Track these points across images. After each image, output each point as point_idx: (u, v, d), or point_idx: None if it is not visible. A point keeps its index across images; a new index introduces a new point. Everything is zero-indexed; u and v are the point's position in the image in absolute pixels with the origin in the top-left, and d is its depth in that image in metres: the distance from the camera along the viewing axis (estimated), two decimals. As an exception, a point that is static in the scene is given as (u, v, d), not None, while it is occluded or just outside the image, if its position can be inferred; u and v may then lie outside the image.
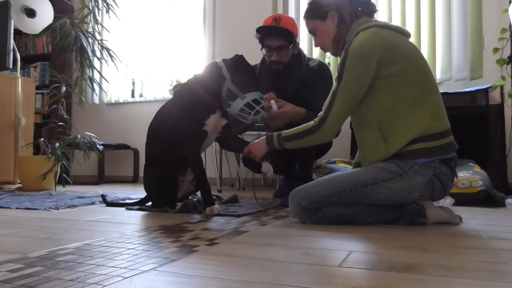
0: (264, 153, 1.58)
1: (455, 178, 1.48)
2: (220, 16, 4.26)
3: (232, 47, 4.19)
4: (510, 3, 2.84)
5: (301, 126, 1.52)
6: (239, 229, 1.33)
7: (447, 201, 1.51)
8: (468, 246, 1.08)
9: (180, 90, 1.77)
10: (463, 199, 2.16)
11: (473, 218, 1.64)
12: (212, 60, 4.24)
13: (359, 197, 1.41)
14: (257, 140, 1.62)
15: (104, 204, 2.06)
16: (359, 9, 1.53)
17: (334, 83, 1.45)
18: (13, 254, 0.95)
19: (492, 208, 2.02)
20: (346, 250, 1.01)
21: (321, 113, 1.47)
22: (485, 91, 2.79)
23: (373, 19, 1.54)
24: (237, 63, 1.67)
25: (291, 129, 1.53)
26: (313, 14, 1.57)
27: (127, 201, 2.18)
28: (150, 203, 1.95)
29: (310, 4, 1.60)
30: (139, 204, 1.94)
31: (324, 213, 1.42)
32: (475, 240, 1.17)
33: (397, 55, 1.39)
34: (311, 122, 1.49)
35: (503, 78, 2.86)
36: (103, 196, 2.08)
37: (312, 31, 1.61)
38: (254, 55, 4.28)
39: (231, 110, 1.66)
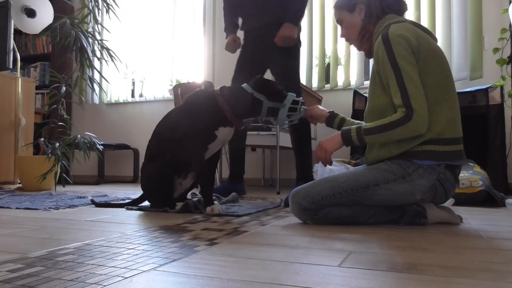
0: (336, 148, 1.49)
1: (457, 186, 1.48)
2: (220, 16, 4.26)
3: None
4: (510, 3, 2.84)
5: (384, 119, 1.37)
6: (239, 229, 1.33)
7: (448, 201, 1.51)
8: (468, 246, 1.08)
9: (201, 97, 1.82)
10: (463, 199, 2.16)
11: (473, 218, 1.64)
12: (212, 60, 4.24)
13: (360, 198, 1.40)
14: (329, 137, 1.52)
15: (94, 205, 2.05)
16: (389, 6, 1.51)
17: (393, 75, 1.36)
18: (13, 254, 0.95)
19: (492, 208, 2.02)
20: (346, 250, 1.01)
21: (399, 105, 1.34)
22: (485, 91, 2.80)
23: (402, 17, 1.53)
24: (262, 83, 1.78)
25: (372, 123, 1.40)
26: (342, 4, 1.56)
27: (127, 201, 2.17)
28: (145, 202, 1.95)
29: None
30: (132, 204, 1.94)
31: (325, 213, 1.42)
32: (475, 240, 1.17)
33: (425, 53, 1.37)
34: (396, 114, 1.34)
35: (503, 78, 2.87)
36: (92, 201, 2.08)
37: (339, 22, 1.60)
38: (254, 55, 4.25)
39: (279, 121, 1.77)
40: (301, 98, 1.79)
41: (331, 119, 1.69)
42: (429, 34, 1.46)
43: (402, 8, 1.53)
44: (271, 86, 1.78)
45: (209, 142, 1.79)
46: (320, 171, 1.63)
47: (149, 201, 1.91)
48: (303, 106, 1.76)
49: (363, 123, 1.58)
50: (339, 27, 1.71)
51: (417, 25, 1.45)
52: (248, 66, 2.58)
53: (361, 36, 1.54)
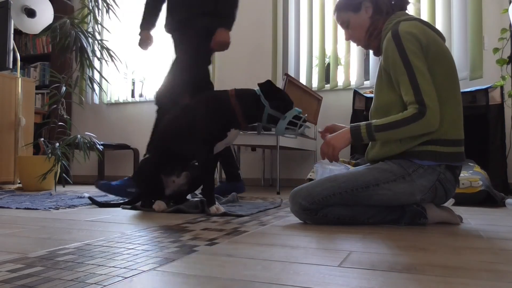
0: (346, 145, 1.44)
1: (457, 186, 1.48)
2: (220, 16, 4.26)
3: (232, 47, 4.18)
4: (510, 3, 2.84)
5: (395, 115, 1.35)
6: (239, 229, 1.33)
7: (448, 201, 1.51)
8: (468, 246, 1.08)
9: (215, 97, 1.82)
10: (463, 199, 2.16)
11: (473, 218, 1.64)
12: (212, 60, 4.24)
13: (361, 198, 1.40)
14: (336, 133, 1.47)
15: (95, 205, 2.05)
16: (392, 2, 1.50)
17: (404, 71, 1.34)
18: (13, 254, 0.95)
19: (492, 208, 2.02)
20: (346, 250, 1.01)
21: (411, 101, 1.32)
22: (485, 91, 2.80)
23: (407, 11, 1.53)
24: (270, 89, 1.78)
25: (383, 119, 1.37)
26: (346, 5, 1.54)
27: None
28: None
29: None
30: (129, 204, 1.94)
31: (325, 213, 1.42)
32: (475, 240, 1.17)
33: (434, 53, 1.37)
34: (408, 111, 1.33)
35: (503, 78, 2.87)
36: (91, 199, 2.07)
37: (344, 24, 1.57)
38: (254, 55, 4.28)
39: (277, 131, 1.77)
40: (306, 115, 1.79)
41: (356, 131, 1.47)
42: (438, 34, 1.45)
43: (405, 2, 1.52)
44: (277, 93, 1.77)
45: (219, 141, 1.80)
46: (320, 171, 1.63)
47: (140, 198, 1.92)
48: (304, 124, 1.75)
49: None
50: (339, 29, 1.68)
51: (426, 23, 1.44)
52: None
53: (369, 34, 1.52)
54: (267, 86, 1.77)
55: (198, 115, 1.78)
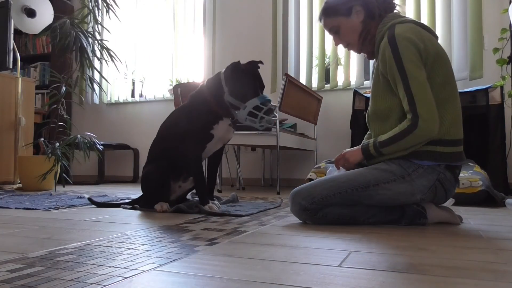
0: (358, 160, 1.48)
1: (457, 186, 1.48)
2: (220, 16, 4.26)
3: (232, 47, 4.19)
4: (510, 3, 2.84)
5: (395, 128, 1.37)
6: (239, 229, 1.33)
7: (448, 201, 1.52)
8: (468, 246, 1.08)
9: (194, 95, 1.80)
10: (463, 199, 2.16)
11: (473, 218, 1.64)
12: (212, 60, 4.24)
13: (360, 198, 1.40)
14: (351, 148, 1.52)
15: (95, 206, 2.04)
16: (382, 4, 1.48)
17: (399, 78, 1.35)
18: (13, 254, 0.95)
19: (492, 208, 2.02)
20: (346, 250, 1.01)
21: (407, 110, 1.34)
22: (485, 91, 2.79)
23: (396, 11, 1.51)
24: (232, 73, 1.66)
25: (386, 134, 1.40)
26: (335, 10, 1.51)
27: (126, 201, 2.17)
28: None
29: (329, 2, 1.53)
30: (129, 204, 1.94)
31: (325, 213, 1.42)
32: (475, 240, 1.17)
33: (433, 55, 1.37)
34: (404, 123, 1.35)
35: (503, 78, 2.87)
36: (90, 199, 2.07)
37: (333, 29, 1.54)
38: (254, 55, 4.28)
39: (240, 120, 1.69)
40: (273, 106, 1.61)
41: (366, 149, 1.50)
42: (431, 33, 1.45)
43: (392, 6, 1.51)
44: (240, 78, 1.64)
45: (207, 142, 1.74)
46: (331, 169, 1.62)
47: (144, 201, 1.91)
48: (267, 117, 1.62)
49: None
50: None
51: (420, 25, 1.43)
52: None
53: (363, 39, 1.50)
54: (229, 69, 1.66)
55: (184, 117, 1.77)
